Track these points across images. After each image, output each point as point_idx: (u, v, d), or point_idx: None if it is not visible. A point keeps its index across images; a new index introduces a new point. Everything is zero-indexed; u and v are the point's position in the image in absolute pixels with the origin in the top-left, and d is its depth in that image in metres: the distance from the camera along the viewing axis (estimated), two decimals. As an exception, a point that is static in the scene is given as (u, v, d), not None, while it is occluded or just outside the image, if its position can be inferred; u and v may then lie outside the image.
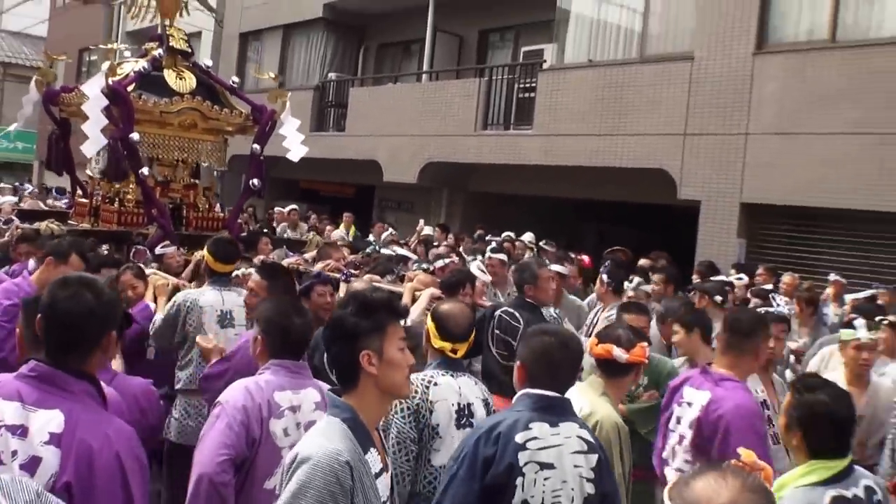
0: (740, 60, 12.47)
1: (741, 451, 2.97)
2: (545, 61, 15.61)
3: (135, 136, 8.26)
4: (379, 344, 2.65)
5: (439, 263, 8.44)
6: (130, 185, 8.94)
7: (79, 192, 9.89)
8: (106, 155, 9.56)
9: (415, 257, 9.98)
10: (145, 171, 8.50)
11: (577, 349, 3.54)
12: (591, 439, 3.30)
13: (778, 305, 7.80)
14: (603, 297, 7.75)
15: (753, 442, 3.71)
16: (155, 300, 6.14)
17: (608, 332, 4.21)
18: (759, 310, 5.44)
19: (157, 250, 7.76)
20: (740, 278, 9.91)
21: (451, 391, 3.84)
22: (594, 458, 3.21)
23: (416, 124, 17.28)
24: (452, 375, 3.91)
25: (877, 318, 6.07)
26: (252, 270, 6.82)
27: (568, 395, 3.67)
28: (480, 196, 17.86)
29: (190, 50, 9.61)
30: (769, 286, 9.78)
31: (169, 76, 8.95)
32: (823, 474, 3.07)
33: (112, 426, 2.56)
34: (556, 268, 7.95)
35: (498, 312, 5.84)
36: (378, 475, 2.61)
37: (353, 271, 7.68)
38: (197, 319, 5.40)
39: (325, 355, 2.87)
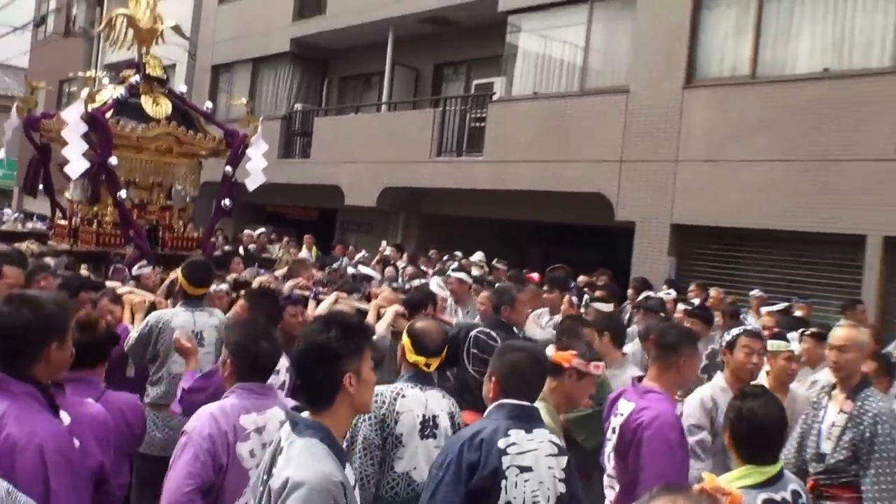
0: (671, 94, 12.80)
1: (704, 475, 2.98)
2: (495, 93, 15.87)
3: (113, 160, 8.27)
4: (358, 365, 2.65)
5: (415, 283, 8.58)
6: (108, 208, 8.89)
7: (58, 214, 9.80)
8: (84, 179, 9.38)
9: (379, 276, 9.99)
10: (123, 193, 8.45)
11: (546, 364, 3.67)
12: (560, 443, 3.40)
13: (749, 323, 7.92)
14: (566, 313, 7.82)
15: (663, 452, 3.83)
16: (133, 317, 6.08)
17: (560, 340, 4.41)
18: (737, 328, 5.34)
19: (135, 271, 7.63)
20: (669, 293, 10.12)
21: (417, 403, 3.87)
22: (564, 459, 3.30)
23: (375, 152, 17.40)
24: (421, 388, 3.95)
25: (800, 330, 6.27)
26: (224, 287, 6.91)
27: None
28: (434, 218, 17.97)
29: (166, 77, 9.60)
30: (696, 300, 9.95)
31: (146, 102, 8.92)
32: (757, 478, 3.17)
33: (40, 423, 2.66)
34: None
35: (474, 333, 5.76)
36: (354, 487, 2.64)
37: (321, 289, 7.70)
38: (168, 339, 5.26)
39: (300, 375, 2.71)
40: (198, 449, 3.20)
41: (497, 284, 7.79)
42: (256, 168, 9.55)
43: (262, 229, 15.53)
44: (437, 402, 3.99)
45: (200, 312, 5.62)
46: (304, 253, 14.81)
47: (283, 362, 4.63)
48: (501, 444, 3.13)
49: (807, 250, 11.66)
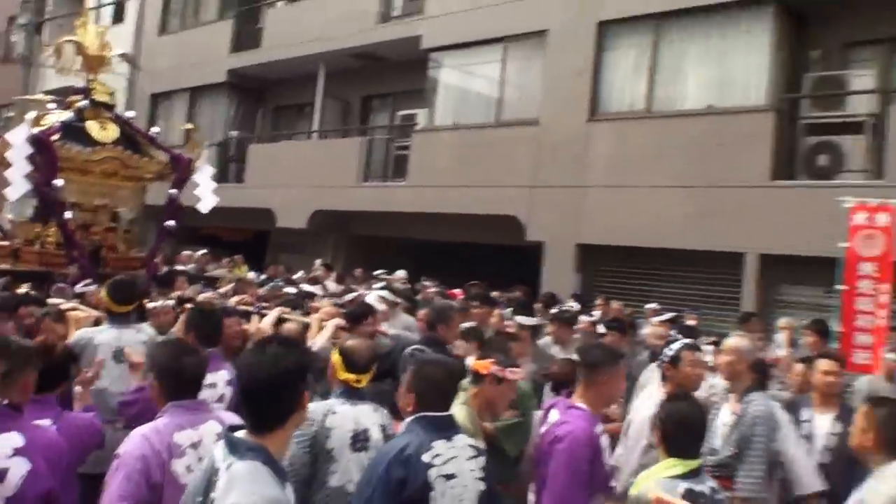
0: (577, 126, 13.23)
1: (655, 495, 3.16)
2: (418, 124, 16.22)
3: (58, 182, 8.10)
4: (305, 385, 2.63)
5: (349, 297, 8.48)
6: (51, 229, 8.67)
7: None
8: (31, 200, 9.16)
9: (320, 292, 9.70)
10: (68, 214, 8.29)
11: (461, 376, 3.78)
12: (477, 444, 3.45)
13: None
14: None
15: (568, 467, 3.79)
16: None
17: (482, 352, 4.45)
18: (677, 343, 5.22)
19: (78, 289, 7.36)
20: (572, 306, 10.26)
21: (348, 419, 3.81)
22: (482, 460, 3.35)
23: (306, 177, 17.42)
24: (353, 404, 3.89)
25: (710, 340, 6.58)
26: (169, 303, 6.81)
27: None
28: (362, 239, 18.06)
29: (113, 103, 9.35)
30: (598, 311, 10.25)
31: (92, 127, 8.68)
32: (680, 470, 3.33)
33: None
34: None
35: (409, 350, 5.61)
36: None
37: (264, 304, 7.55)
38: (90, 357, 4.93)
39: (258, 397, 2.55)
40: (130, 470, 3.11)
41: (435, 302, 7.67)
42: (206, 191, 9.39)
43: (203, 250, 15.19)
44: (369, 416, 3.92)
45: (127, 329, 5.41)
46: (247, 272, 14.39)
47: (223, 375, 4.60)
48: (426, 457, 3.14)
49: (696, 266, 12.06)
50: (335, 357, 4.04)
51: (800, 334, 9.28)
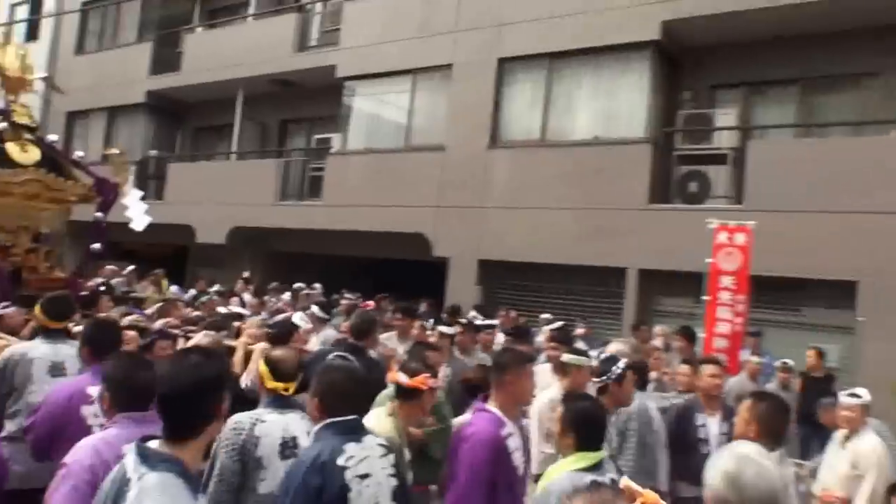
0: (478, 152, 13.61)
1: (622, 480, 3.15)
2: (332, 147, 16.27)
3: None
4: (224, 395, 2.55)
5: (280, 317, 8.19)
6: None
7: None
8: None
9: (248, 313, 9.29)
10: None
11: (365, 379, 3.74)
12: (386, 442, 3.38)
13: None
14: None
15: (468, 467, 3.85)
16: None
17: (404, 364, 4.27)
18: (621, 363, 5.25)
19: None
20: (476, 316, 10.35)
21: (276, 427, 3.67)
22: (392, 456, 3.30)
23: (224, 195, 17.21)
24: (281, 412, 3.75)
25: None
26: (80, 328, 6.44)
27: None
28: (279, 255, 17.93)
29: (35, 125, 8.75)
30: (498, 320, 10.46)
31: (12, 149, 8.07)
32: (587, 463, 3.38)
33: None
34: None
35: (332, 356, 5.41)
36: None
37: (191, 327, 7.23)
38: (24, 372, 4.76)
39: (176, 405, 2.47)
40: (77, 481, 2.91)
41: (358, 312, 7.28)
42: (138, 212, 9.13)
43: (131, 267, 14.62)
44: (297, 424, 3.75)
45: (62, 344, 5.02)
46: (152, 288, 13.83)
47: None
48: (340, 461, 3.08)
49: (583, 280, 12.52)
50: (262, 367, 3.95)
51: (672, 339, 9.63)
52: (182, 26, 20.81)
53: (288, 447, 3.64)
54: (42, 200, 8.42)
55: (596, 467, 3.40)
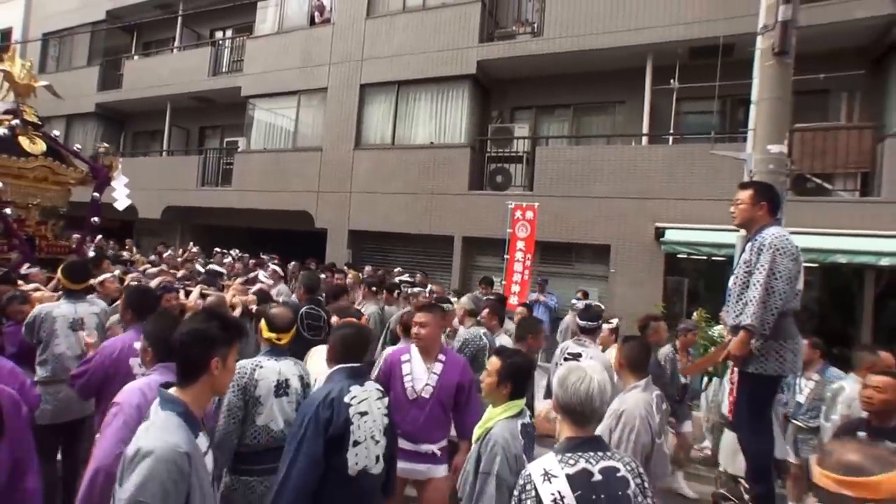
0: (346, 152, 12.31)
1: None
2: (239, 147, 14.43)
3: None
4: (225, 354, 2.02)
5: (251, 275, 7.69)
6: None
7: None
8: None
9: (224, 272, 8.20)
10: (7, 211, 6.59)
11: (368, 336, 2.97)
12: (382, 388, 2.85)
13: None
14: (366, 296, 6.52)
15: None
16: None
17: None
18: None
19: (23, 271, 5.84)
20: (343, 271, 9.62)
21: (272, 371, 3.06)
22: (386, 399, 2.81)
23: (159, 182, 15.02)
24: (276, 359, 3.12)
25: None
26: (116, 273, 5.70)
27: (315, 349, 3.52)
28: (201, 226, 16.06)
29: (41, 122, 7.40)
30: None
31: (23, 141, 6.94)
32: (515, 410, 2.56)
33: None
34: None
35: (304, 310, 4.49)
36: (205, 453, 1.96)
37: (187, 282, 6.27)
38: (49, 327, 4.01)
39: (177, 355, 2.01)
40: (127, 417, 2.30)
41: (304, 274, 6.27)
42: (121, 194, 7.93)
43: (99, 236, 11.24)
44: (289, 368, 3.16)
45: (82, 303, 4.21)
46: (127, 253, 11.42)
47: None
48: (346, 399, 2.59)
49: (424, 245, 11.66)
50: (262, 322, 3.27)
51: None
52: (123, 54, 17.80)
53: (281, 388, 3.09)
54: (48, 183, 7.33)
55: (521, 414, 2.65)
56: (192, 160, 15.30)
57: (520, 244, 8.94)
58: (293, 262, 10.44)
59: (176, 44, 16.54)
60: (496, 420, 2.57)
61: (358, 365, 2.76)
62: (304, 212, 12.80)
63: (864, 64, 8.28)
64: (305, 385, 3.20)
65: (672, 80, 9.05)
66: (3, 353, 3.69)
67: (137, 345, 3.09)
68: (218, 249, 11.57)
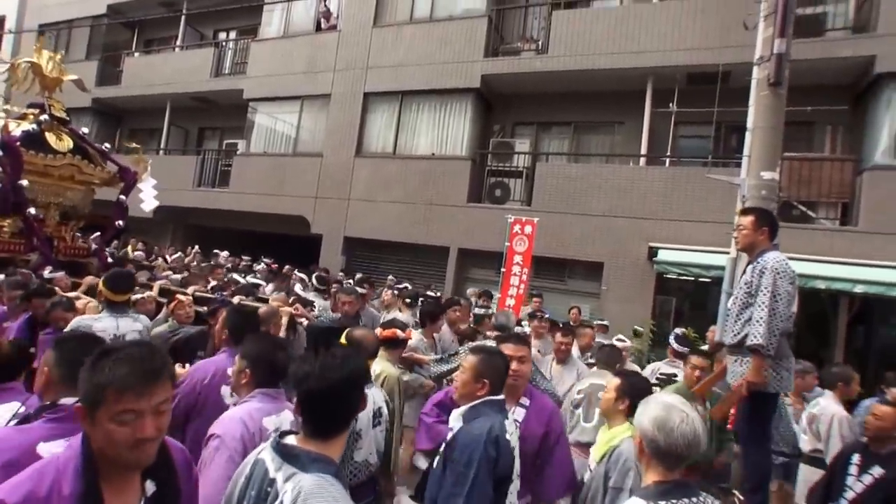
0: (347, 159, 12.84)
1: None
2: (239, 150, 15.00)
3: (24, 182, 6.34)
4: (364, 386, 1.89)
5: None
6: (6, 221, 6.62)
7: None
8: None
9: (265, 284, 7.94)
10: (32, 210, 6.51)
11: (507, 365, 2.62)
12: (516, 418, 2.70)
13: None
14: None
15: None
16: None
17: (388, 323, 3.90)
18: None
19: (47, 275, 5.59)
20: (339, 276, 10.10)
21: (367, 400, 2.65)
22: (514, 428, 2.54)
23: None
24: (368, 387, 2.74)
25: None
26: (152, 294, 5.23)
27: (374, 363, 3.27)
28: (194, 227, 16.55)
29: (68, 118, 7.36)
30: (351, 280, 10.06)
31: (50, 137, 6.86)
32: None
33: None
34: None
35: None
36: None
37: (224, 293, 5.90)
38: None
39: (326, 401, 1.72)
40: (232, 451, 2.22)
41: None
42: (148, 196, 7.98)
43: (96, 234, 11.97)
44: (379, 395, 2.98)
45: (124, 318, 3.98)
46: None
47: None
48: (507, 436, 2.36)
49: (419, 254, 12.09)
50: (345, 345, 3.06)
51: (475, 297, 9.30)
52: (123, 50, 18.41)
53: (376, 417, 2.86)
54: (73, 182, 7.24)
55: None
56: (189, 160, 15.85)
57: (517, 258, 9.27)
58: (287, 266, 10.99)
59: (178, 43, 17.17)
60: (621, 437, 2.66)
61: (502, 398, 2.52)
62: (300, 216, 13.29)
63: (848, 99, 9.06)
64: (391, 412, 3.00)
65: (671, 104, 9.76)
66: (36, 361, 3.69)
67: (231, 371, 2.92)
68: (221, 252, 12.11)
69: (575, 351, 5.55)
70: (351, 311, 5.46)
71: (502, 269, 9.44)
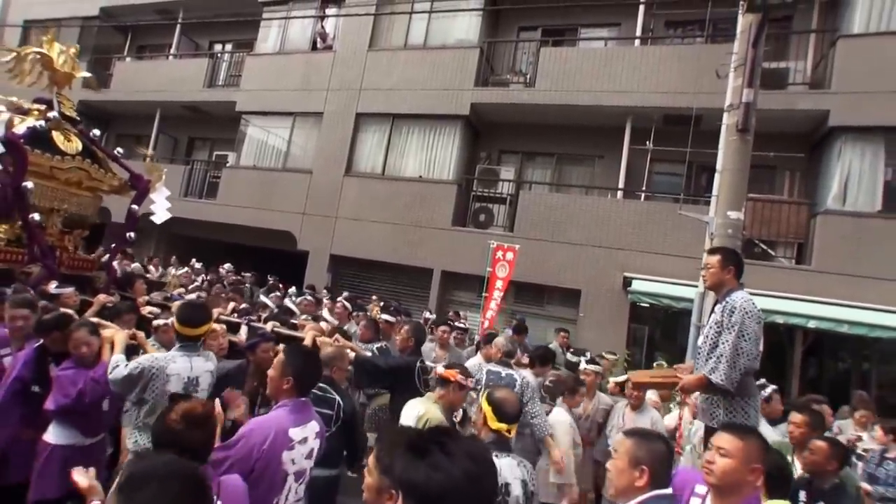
0: (336, 177, 13.64)
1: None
2: (228, 162, 15.76)
3: (28, 184, 5.97)
4: None
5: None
6: (2, 227, 6.32)
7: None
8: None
9: (297, 311, 7.64)
10: (36, 216, 6.12)
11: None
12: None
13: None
14: (340, 315, 7.83)
15: None
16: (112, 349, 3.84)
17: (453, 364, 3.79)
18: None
19: (53, 290, 5.25)
20: (323, 294, 10.60)
21: (508, 474, 2.71)
22: None
23: None
24: (498, 456, 2.66)
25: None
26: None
27: (413, 402, 3.47)
28: (178, 237, 17.15)
29: (78, 118, 6.98)
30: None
31: (57, 137, 6.45)
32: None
33: None
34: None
35: (420, 364, 4.92)
36: None
37: (252, 318, 5.77)
38: (161, 388, 3.45)
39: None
40: (252, 444, 2.55)
41: (413, 325, 6.00)
42: (161, 207, 7.70)
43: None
44: (512, 470, 2.74)
45: (197, 358, 3.67)
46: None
47: (314, 427, 2.99)
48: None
49: (403, 275, 12.87)
50: (486, 406, 2.84)
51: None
52: (114, 54, 19.27)
53: (502, 493, 2.63)
54: (80, 188, 6.89)
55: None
56: (177, 169, 16.55)
57: (498, 283, 10.02)
58: (271, 279, 11.70)
59: (172, 51, 18.11)
60: None
61: (670, 491, 2.31)
62: (287, 232, 14.05)
63: (805, 148, 10.31)
64: (530, 493, 2.74)
65: (647, 142, 10.91)
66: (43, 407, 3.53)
67: (295, 433, 2.75)
68: (228, 266, 12.70)
69: (652, 395, 5.81)
70: (406, 348, 5.11)
71: (484, 294, 10.24)
